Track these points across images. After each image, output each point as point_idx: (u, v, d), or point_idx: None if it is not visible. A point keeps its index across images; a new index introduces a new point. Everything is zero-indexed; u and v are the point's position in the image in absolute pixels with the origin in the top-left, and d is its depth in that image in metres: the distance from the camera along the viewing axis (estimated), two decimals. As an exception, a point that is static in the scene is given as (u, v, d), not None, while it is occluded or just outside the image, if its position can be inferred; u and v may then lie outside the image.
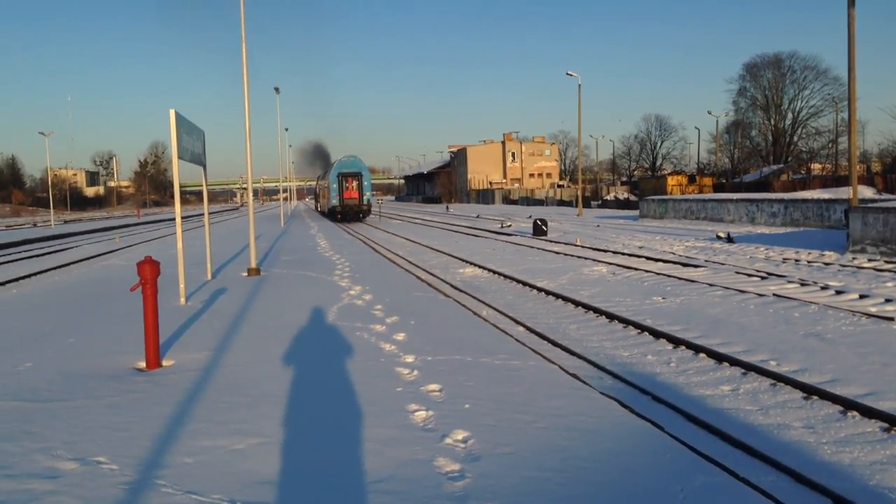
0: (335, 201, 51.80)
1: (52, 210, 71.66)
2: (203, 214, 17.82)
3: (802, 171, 73.18)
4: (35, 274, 21.69)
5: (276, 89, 42.30)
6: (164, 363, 7.80)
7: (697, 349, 9.17)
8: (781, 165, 72.35)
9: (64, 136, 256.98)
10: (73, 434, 5.48)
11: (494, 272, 18.09)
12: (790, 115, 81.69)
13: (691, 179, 63.61)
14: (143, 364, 7.69)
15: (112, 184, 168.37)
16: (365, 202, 52.41)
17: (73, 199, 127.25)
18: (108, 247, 33.63)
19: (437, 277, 17.61)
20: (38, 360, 8.08)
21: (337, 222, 50.55)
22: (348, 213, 51.69)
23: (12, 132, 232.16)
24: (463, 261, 21.30)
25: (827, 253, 19.70)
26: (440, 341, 8.63)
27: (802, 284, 14.19)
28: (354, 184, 51.61)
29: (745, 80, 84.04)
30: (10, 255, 30.25)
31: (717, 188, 61.09)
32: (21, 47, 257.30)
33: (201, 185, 16.79)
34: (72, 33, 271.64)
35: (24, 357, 8.21)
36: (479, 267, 19.45)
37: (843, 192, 30.81)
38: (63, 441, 5.32)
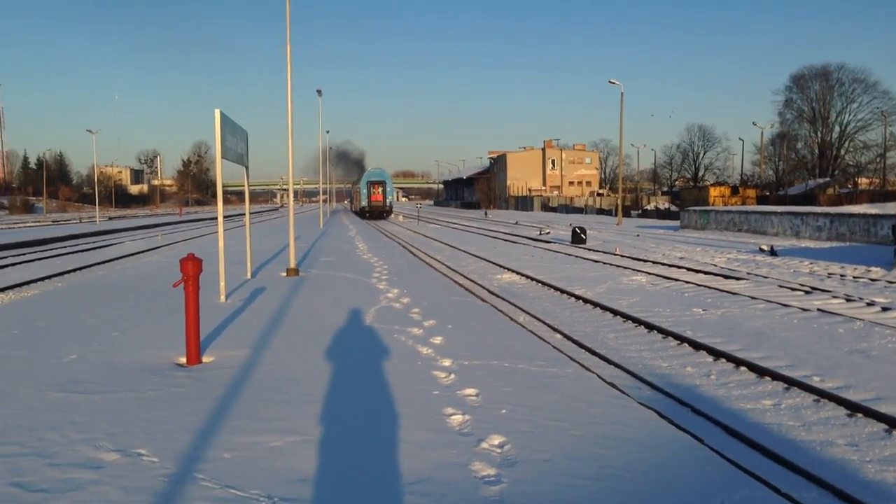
0: (364, 203, 67.91)
1: (97, 207, 73.05)
2: (243, 214, 18.02)
3: (849, 186, 71.72)
4: (80, 268, 22.15)
5: (319, 92, 42.60)
6: (204, 359, 7.89)
7: (738, 362, 9.03)
8: (828, 179, 71.01)
9: (110, 135, 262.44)
10: (115, 426, 5.58)
11: (532, 279, 18.02)
12: (837, 128, 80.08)
13: (734, 191, 62.75)
14: (183, 360, 7.79)
15: (156, 182, 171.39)
16: (387, 204, 68.19)
17: (118, 197, 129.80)
18: (150, 244, 34.20)
19: (475, 282, 17.59)
20: (82, 352, 8.24)
21: (366, 220, 63.97)
22: (374, 212, 67.12)
23: (61, 130, 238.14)
24: (501, 266, 21.26)
25: (873, 269, 19.28)
26: (477, 346, 8.61)
27: (848, 300, 13.90)
28: (380, 189, 67.30)
29: (792, 91, 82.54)
30: (56, 249, 30.92)
31: (761, 200, 60.19)
32: (71, 47, 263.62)
33: (242, 185, 16.99)
34: (120, 34, 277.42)
35: (69, 349, 8.38)
36: (517, 273, 19.39)
37: (891, 208, 30.14)
38: (106, 432, 5.42)
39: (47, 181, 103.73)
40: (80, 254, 28.64)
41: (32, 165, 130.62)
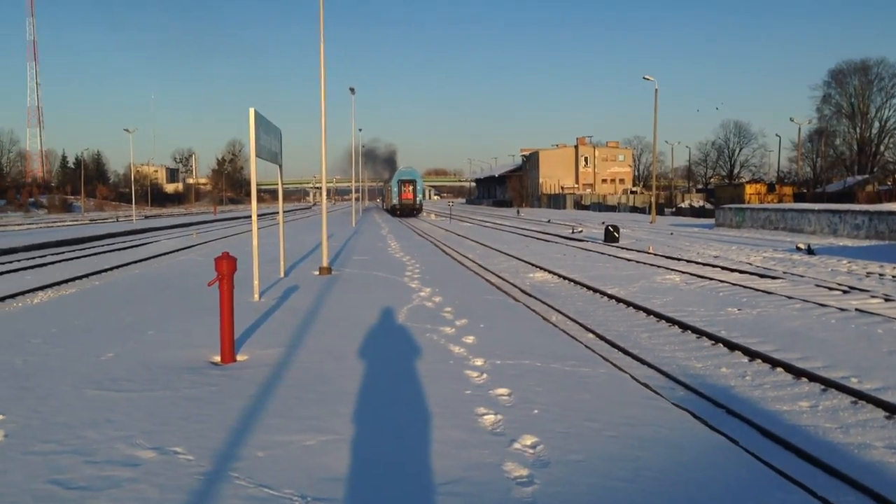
0: (395, 201, 70.99)
1: (133, 205, 74.08)
2: (276, 213, 18.17)
3: (889, 183, 70.38)
4: (117, 267, 22.50)
5: (352, 90, 42.73)
6: (239, 358, 7.97)
7: (774, 363, 8.91)
8: (867, 176, 69.79)
9: (147, 134, 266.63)
10: (151, 423, 5.66)
11: (564, 278, 17.94)
12: (877, 124, 78.76)
13: (770, 188, 61.78)
14: (218, 358, 7.88)
15: (191, 181, 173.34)
16: (417, 203, 71.58)
17: (154, 195, 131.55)
18: (185, 242, 34.61)
19: (507, 281, 17.56)
20: (119, 350, 8.37)
21: (397, 217, 66.78)
22: (405, 210, 70.05)
23: (98, 129, 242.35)
24: (533, 265, 21.20)
25: (914, 267, 18.90)
26: (509, 345, 8.60)
27: (887, 300, 13.65)
28: (410, 188, 70.69)
29: (831, 86, 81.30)
30: (94, 248, 31.42)
31: (798, 198, 59.26)
32: (108, 48, 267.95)
33: (276, 184, 17.11)
34: (156, 34, 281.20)
35: (106, 347, 8.52)
36: (549, 272, 19.31)
37: (933, 205, 29.50)
38: (142, 430, 5.50)
39: (85, 180, 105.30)
40: (117, 252, 29.09)
41: (70, 164, 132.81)
